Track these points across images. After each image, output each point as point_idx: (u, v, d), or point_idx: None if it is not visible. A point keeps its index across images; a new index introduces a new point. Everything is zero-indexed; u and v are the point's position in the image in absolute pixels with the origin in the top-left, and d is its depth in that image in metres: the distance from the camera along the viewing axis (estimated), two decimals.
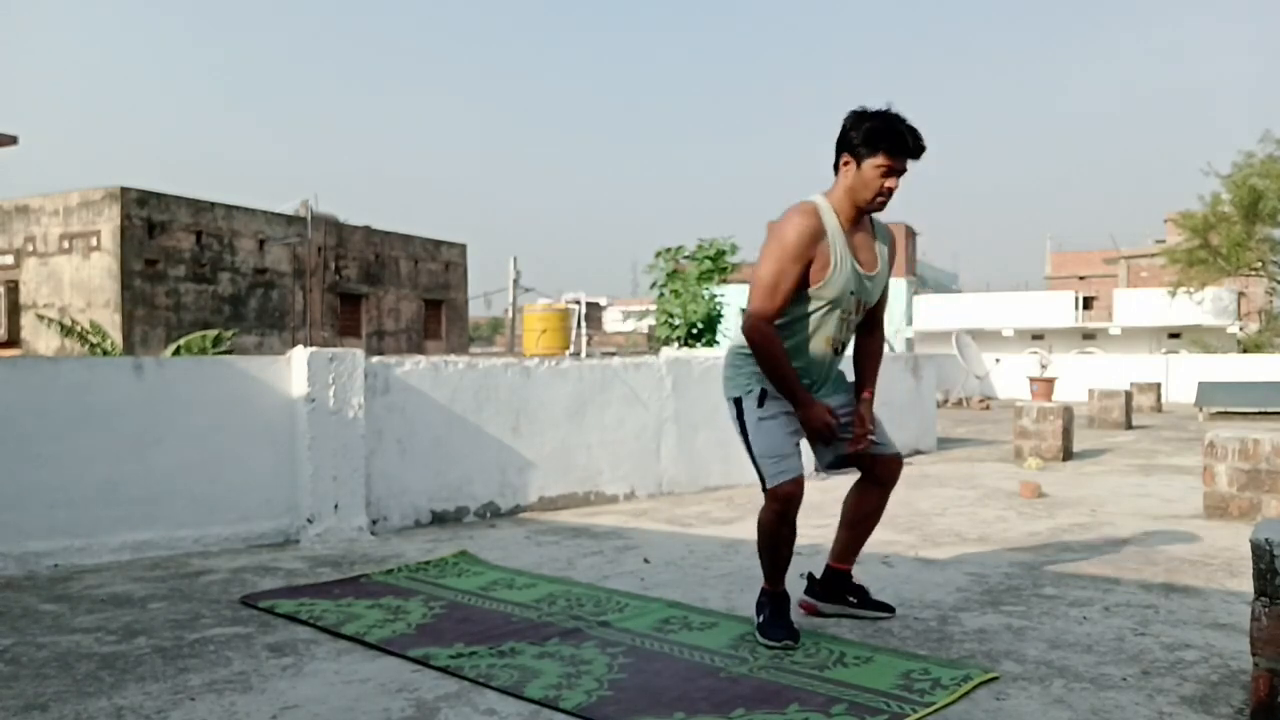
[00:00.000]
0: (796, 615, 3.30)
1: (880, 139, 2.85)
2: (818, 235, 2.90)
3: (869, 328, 3.23)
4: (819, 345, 3.02)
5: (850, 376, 3.23)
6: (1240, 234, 24.90)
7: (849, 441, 3.11)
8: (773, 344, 2.91)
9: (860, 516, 3.27)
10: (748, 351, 3.03)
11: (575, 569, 4.09)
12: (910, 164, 2.93)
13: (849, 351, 3.25)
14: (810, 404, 2.97)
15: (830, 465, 3.19)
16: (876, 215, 3.08)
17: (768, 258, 2.92)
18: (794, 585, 3.30)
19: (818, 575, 3.34)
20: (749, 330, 2.94)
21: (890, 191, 2.91)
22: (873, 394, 3.21)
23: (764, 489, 2.99)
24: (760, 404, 2.99)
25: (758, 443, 2.99)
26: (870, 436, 3.12)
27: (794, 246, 2.87)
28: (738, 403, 3.04)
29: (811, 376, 3.06)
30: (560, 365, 5.78)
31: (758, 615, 3.06)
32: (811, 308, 2.96)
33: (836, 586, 3.29)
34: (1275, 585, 2.25)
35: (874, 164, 2.86)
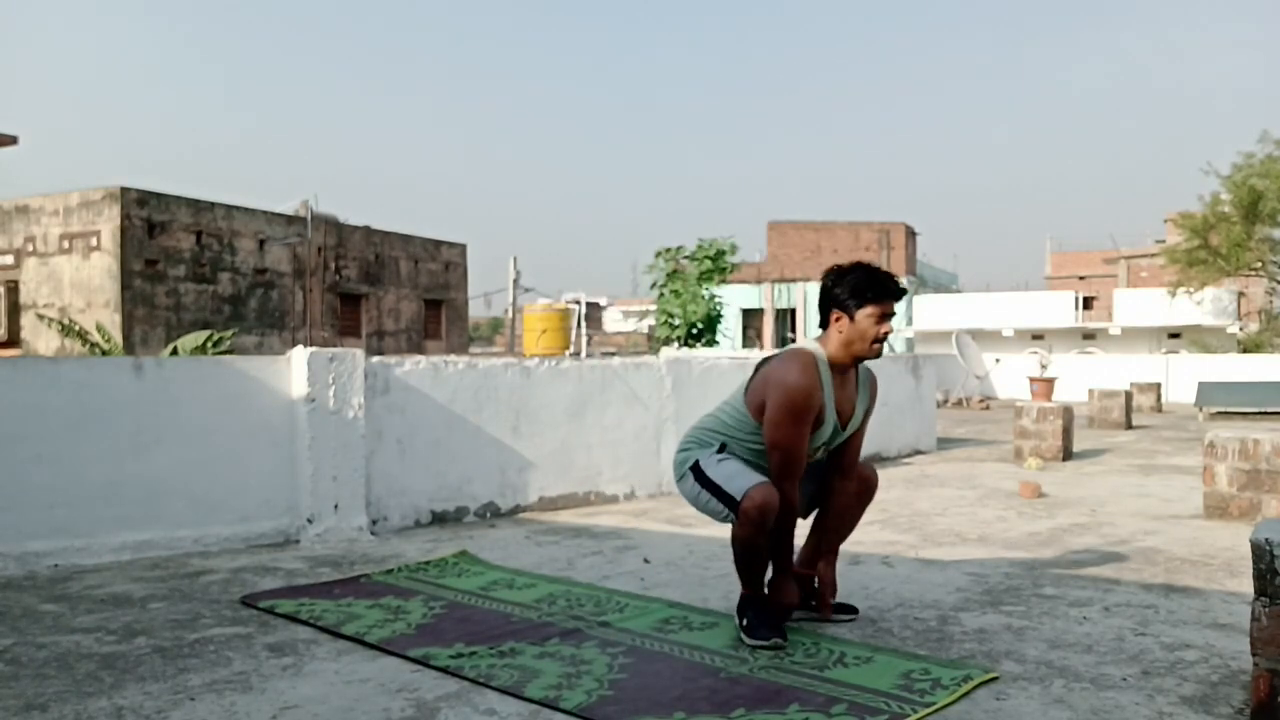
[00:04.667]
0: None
1: (867, 290, 3.01)
2: (817, 390, 3.00)
3: (841, 474, 3.25)
4: None
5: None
6: (1240, 234, 24.86)
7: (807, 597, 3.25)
8: (794, 514, 3.05)
9: (839, 510, 3.30)
10: (718, 433, 3.12)
11: (575, 569, 4.09)
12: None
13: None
14: (789, 579, 3.10)
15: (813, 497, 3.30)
16: (869, 370, 3.25)
17: (784, 422, 2.97)
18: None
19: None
20: (781, 493, 2.95)
21: (887, 336, 3.04)
22: (836, 554, 3.29)
23: (733, 511, 2.96)
24: (719, 453, 3.09)
25: (716, 474, 3.02)
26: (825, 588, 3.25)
27: (806, 408, 2.97)
28: (695, 467, 3.09)
29: None
30: (560, 365, 5.78)
31: (740, 619, 3.04)
32: None
33: (803, 592, 3.28)
34: (1275, 585, 2.25)
35: (866, 314, 3.00)
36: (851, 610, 3.29)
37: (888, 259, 37.37)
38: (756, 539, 2.95)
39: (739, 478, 2.96)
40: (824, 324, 3.12)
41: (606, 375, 5.96)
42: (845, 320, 3.03)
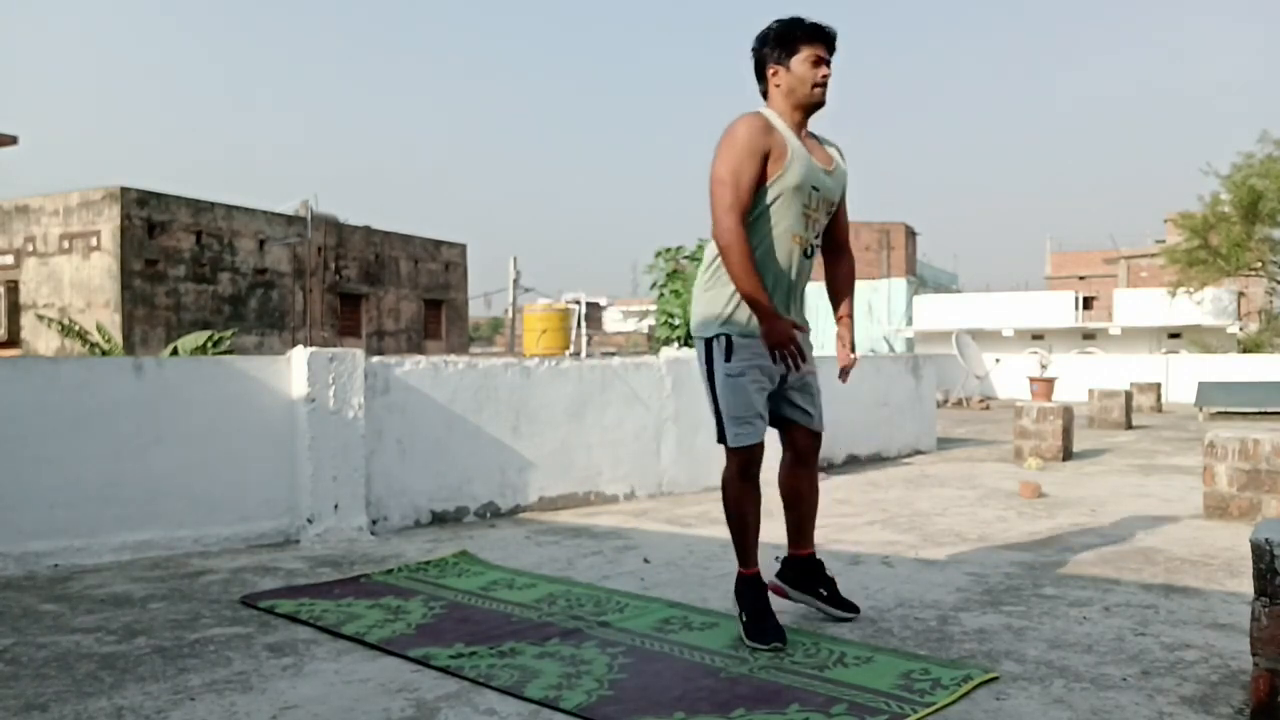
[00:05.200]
0: (792, 608, 3.30)
1: (795, 34, 2.92)
2: (768, 129, 2.89)
3: (835, 250, 3.23)
4: (784, 243, 2.96)
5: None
6: (1240, 234, 24.87)
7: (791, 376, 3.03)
8: (743, 244, 2.83)
9: (795, 497, 3.23)
10: (716, 279, 2.98)
11: (575, 569, 4.09)
12: (834, 56, 2.95)
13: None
14: (775, 317, 2.87)
15: (771, 415, 3.14)
16: (820, 135, 3.09)
17: (722, 158, 2.86)
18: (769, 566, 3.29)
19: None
20: (717, 231, 2.86)
21: (826, 79, 2.92)
22: (851, 315, 3.23)
23: (722, 442, 3.01)
24: (728, 357, 2.95)
25: (724, 399, 2.97)
26: (805, 385, 3.10)
27: (746, 140, 2.85)
28: (707, 345, 3.01)
29: (782, 286, 2.99)
30: (560, 365, 5.78)
31: (739, 611, 3.03)
32: (770, 198, 2.91)
33: (808, 574, 3.25)
34: (1275, 585, 2.25)
35: (801, 59, 2.91)
36: (852, 609, 3.26)
37: (888, 259, 37.36)
38: (743, 485, 3.01)
39: (741, 424, 2.95)
40: (765, 92, 3.02)
41: (606, 375, 5.96)
42: (781, 71, 2.94)
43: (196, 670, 2.77)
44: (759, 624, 2.96)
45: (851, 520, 5.31)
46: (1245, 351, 25.40)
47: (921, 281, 39.93)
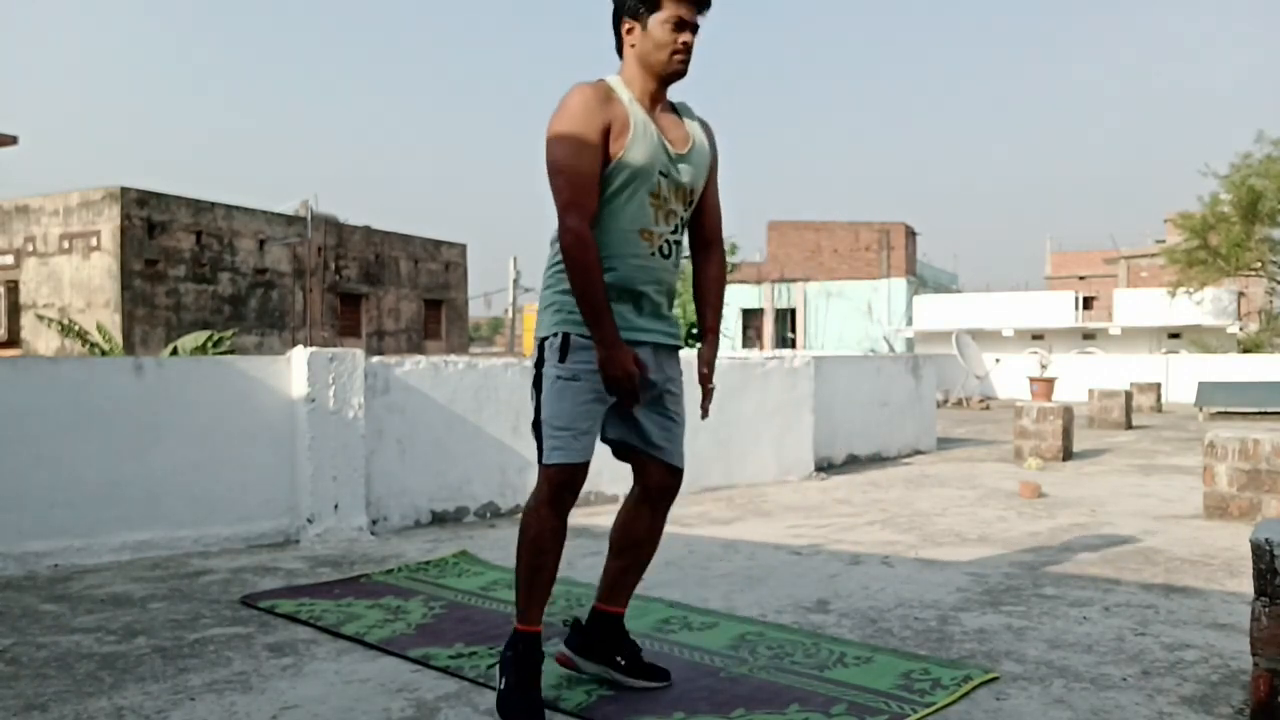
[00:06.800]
0: (791, 609, 3.30)
1: None
2: (606, 99, 2.43)
3: (704, 247, 2.70)
4: (630, 241, 2.46)
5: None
6: (1239, 234, 24.86)
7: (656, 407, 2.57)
8: (589, 254, 2.35)
9: (628, 543, 2.65)
10: (557, 278, 2.50)
11: (575, 569, 4.08)
12: (703, 20, 2.49)
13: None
14: (615, 344, 2.38)
15: (612, 441, 2.63)
16: (686, 105, 2.66)
17: (555, 140, 2.39)
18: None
19: (585, 621, 2.71)
20: (562, 236, 2.37)
21: (687, 48, 2.46)
22: (717, 329, 2.69)
23: (539, 461, 2.47)
24: (562, 357, 2.44)
25: (548, 404, 2.45)
26: (661, 435, 2.59)
27: (582, 115, 2.39)
28: (541, 345, 2.51)
29: (635, 287, 2.47)
30: None
31: (500, 675, 2.46)
32: (613, 187, 2.43)
33: (605, 638, 2.64)
34: (1275, 585, 2.25)
35: (661, 19, 2.44)
36: (660, 676, 2.64)
37: (887, 259, 37.36)
38: (547, 522, 2.46)
39: (560, 434, 2.43)
40: (620, 48, 2.55)
41: None
42: (637, 29, 2.47)
43: (196, 670, 2.77)
44: (520, 695, 2.41)
45: (851, 520, 5.31)
46: (1245, 351, 25.39)
47: (921, 281, 39.91)
